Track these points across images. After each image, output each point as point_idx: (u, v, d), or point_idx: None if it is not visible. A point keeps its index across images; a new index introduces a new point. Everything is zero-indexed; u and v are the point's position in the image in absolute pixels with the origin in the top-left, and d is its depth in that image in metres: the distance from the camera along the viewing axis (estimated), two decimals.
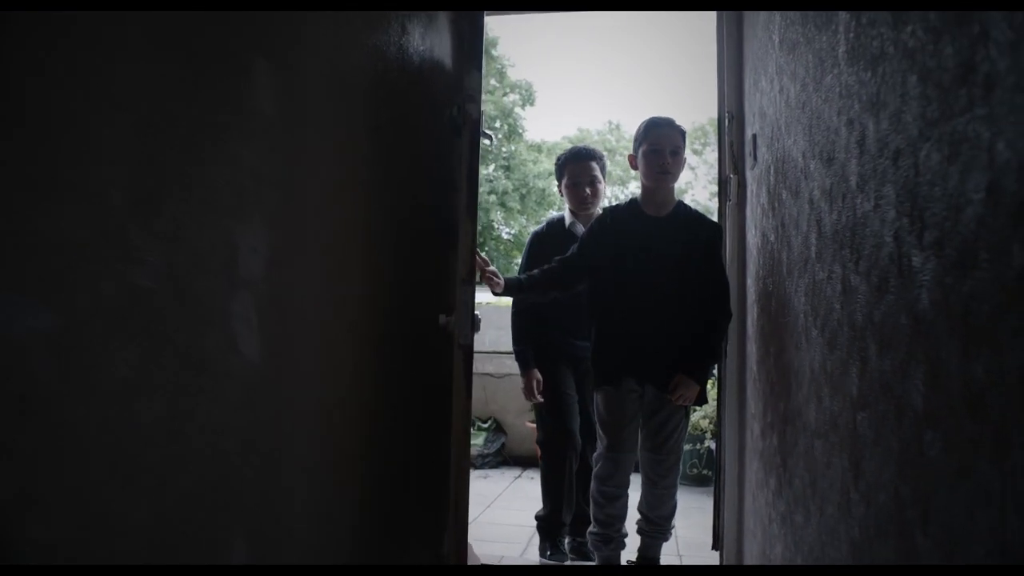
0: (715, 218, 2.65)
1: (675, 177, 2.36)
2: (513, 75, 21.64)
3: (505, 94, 21.26)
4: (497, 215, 20.58)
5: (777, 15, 1.90)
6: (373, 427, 1.84)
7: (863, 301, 1.14)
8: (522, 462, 4.93)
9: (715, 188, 3.01)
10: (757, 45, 2.21)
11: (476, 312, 2.31)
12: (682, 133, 2.37)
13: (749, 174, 2.35)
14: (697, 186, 26.07)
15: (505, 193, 20.23)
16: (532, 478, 4.54)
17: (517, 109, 21.61)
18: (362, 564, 1.75)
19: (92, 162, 0.86)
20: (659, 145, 2.31)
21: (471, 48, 2.18)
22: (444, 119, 2.24)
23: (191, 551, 1.06)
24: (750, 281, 2.35)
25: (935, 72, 0.87)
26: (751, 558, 2.23)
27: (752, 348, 2.31)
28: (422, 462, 2.27)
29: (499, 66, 20.98)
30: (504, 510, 3.85)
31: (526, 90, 21.65)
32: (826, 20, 1.41)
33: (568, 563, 2.86)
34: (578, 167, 2.83)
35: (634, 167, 2.43)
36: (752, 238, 2.31)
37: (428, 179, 2.27)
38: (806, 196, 1.57)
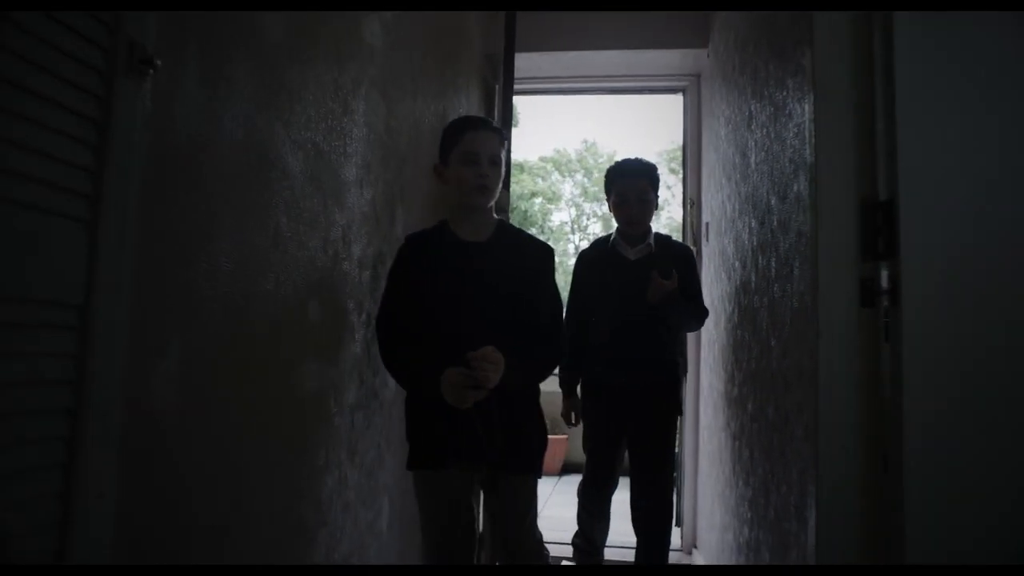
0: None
1: (494, 193, 1.77)
2: None
3: None
4: None
5: (721, 146, 2.74)
6: None
7: (755, 359, 1.97)
8: None
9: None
10: (712, 156, 3.06)
11: None
12: (500, 134, 1.81)
13: (704, 249, 3.18)
14: (674, 204, 26.70)
15: None
16: None
17: None
18: None
19: (342, 282, 1.65)
20: (474, 153, 1.72)
21: (505, 172, 2.95)
22: None
23: (368, 503, 1.84)
24: (703, 330, 3.18)
25: (775, 264, 1.69)
26: (701, 529, 3.05)
27: (704, 377, 3.14)
28: None
29: None
30: None
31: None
32: (744, 175, 2.24)
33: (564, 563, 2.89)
34: (627, 184, 2.60)
35: (443, 182, 1.81)
36: (707, 299, 3.13)
37: None
38: (733, 282, 2.39)
